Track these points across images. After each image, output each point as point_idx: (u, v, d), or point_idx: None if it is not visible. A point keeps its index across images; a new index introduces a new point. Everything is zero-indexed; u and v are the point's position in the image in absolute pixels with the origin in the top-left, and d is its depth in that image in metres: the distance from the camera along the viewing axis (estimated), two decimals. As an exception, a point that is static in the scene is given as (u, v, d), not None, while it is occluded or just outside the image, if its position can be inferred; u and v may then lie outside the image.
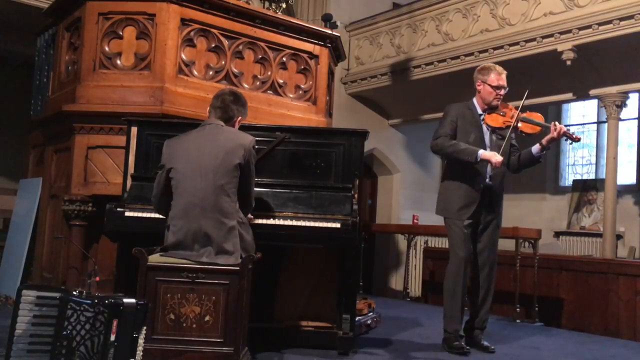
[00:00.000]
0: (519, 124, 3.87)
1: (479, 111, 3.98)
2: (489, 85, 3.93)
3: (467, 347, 3.85)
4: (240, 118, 3.28)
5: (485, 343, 3.97)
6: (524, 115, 3.90)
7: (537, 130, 3.88)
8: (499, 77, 3.93)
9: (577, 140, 3.84)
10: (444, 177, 4.10)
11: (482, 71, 4.01)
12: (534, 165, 4.01)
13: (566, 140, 3.85)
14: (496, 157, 3.77)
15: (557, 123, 3.81)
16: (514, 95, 4.04)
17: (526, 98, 3.81)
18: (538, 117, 3.94)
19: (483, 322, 4.01)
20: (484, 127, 3.95)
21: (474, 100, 4.02)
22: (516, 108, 3.89)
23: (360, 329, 4.30)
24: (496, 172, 3.91)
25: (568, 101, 9.33)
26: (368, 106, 10.31)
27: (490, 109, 3.95)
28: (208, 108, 3.28)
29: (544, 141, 3.87)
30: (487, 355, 3.87)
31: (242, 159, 3.06)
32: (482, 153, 3.80)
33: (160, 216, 3.36)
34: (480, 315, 3.99)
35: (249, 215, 3.28)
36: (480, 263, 3.97)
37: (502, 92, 3.93)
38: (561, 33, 7.25)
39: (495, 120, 3.91)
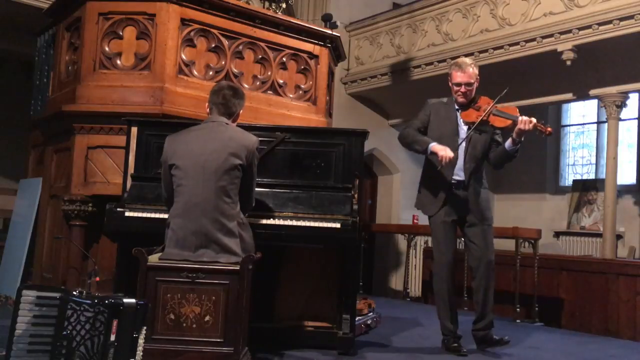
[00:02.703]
0: (490, 117, 3.80)
1: (456, 106, 3.95)
2: (451, 82, 3.92)
3: (465, 349, 3.83)
4: (241, 111, 3.30)
5: (497, 337, 3.92)
6: (497, 108, 3.83)
7: (508, 123, 3.79)
8: (455, 73, 3.87)
9: (549, 133, 3.74)
10: (422, 172, 4.10)
11: (449, 68, 3.98)
12: (510, 160, 3.91)
13: (539, 133, 3.76)
14: (446, 152, 3.69)
15: (525, 118, 3.72)
16: (514, 95, 4.02)
17: (501, 97, 3.78)
18: (512, 111, 3.86)
19: (488, 324, 3.92)
20: (461, 122, 3.91)
21: (454, 95, 3.99)
22: (492, 101, 3.84)
23: (360, 329, 4.30)
24: (468, 168, 3.87)
25: (568, 101, 9.32)
26: (368, 106, 10.30)
27: (467, 104, 3.90)
28: (207, 104, 3.27)
29: (514, 134, 3.78)
30: (487, 356, 3.87)
31: (245, 160, 3.07)
32: (432, 146, 3.77)
33: (160, 216, 3.36)
34: (486, 318, 3.90)
35: None
36: (474, 264, 3.91)
37: (463, 88, 3.85)
38: (561, 33, 7.24)
39: (469, 115, 3.88)
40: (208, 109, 3.26)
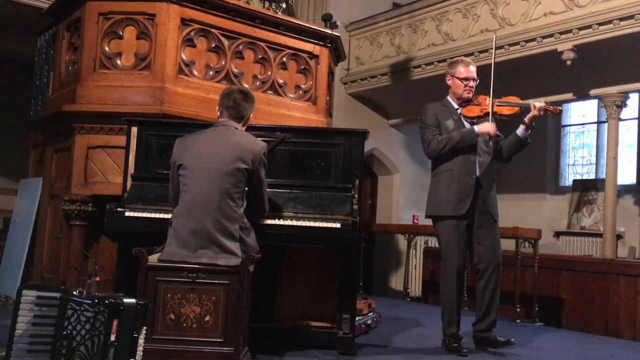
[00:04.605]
0: (496, 108, 3.89)
1: (455, 106, 4.00)
2: (457, 78, 3.96)
3: (465, 350, 3.82)
4: (251, 115, 3.32)
5: (502, 339, 3.90)
6: (499, 99, 3.92)
7: (516, 110, 3.91)
8: (466, 68, 3.97)
9: (559, 112, 3.89)
10: (433, 175, 4.03)
11: (450, 65, 4.06)
12: (523, 147, 3.98)
13: (549, 114, 3.89)
14: (491, 126, 3.84)
15: (537, 103, 3.83)
16: (515, 95, 4.03)
17: (494, 89, 3.86)
18: (514, 99, 3.96)
19: (491, 324, 3.92)
20: (463, 121, 3.96)
21: (448, 97, 4.04)
22: (489, 95, 3.91)
23: (360, 329, 4.30)
24: (482, 162, 3.91)
25: (568, 101, 9.31)
26: (368, 106, 10.30)
27: (465, 102, 3.97)
28: (217, 107, 3.28)
29: (526, 120, 3.87)
30: (487, 356, 3.87)
31: (251, 164, 3.08)
32: (477, 128, 3.86)
33: (160, 216, 3.37)
34: (488, 319, 3.90)
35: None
36: (483, 266, 3.88)
37: (472, 83, 3.96)
38: (561, 33, 7.24)
39: (472, 110, 3.94)
40: (218, 112, 3.27)
